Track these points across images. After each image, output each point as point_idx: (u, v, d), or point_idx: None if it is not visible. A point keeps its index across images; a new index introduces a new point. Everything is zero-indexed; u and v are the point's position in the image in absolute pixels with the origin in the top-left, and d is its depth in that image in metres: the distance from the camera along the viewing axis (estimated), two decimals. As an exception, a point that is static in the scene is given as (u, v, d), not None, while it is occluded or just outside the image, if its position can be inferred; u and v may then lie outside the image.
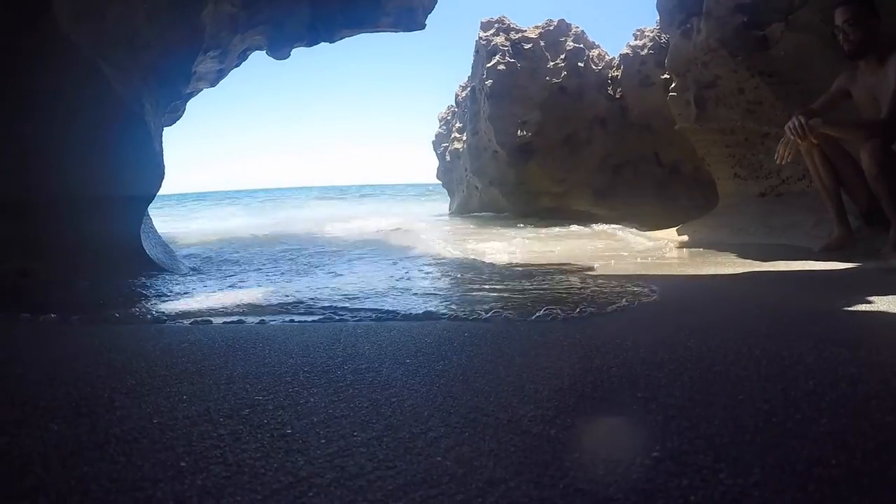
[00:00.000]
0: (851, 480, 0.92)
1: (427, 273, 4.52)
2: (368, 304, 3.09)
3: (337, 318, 2.76)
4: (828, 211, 4.39)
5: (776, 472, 0.94)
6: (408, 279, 4.12)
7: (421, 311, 2.77)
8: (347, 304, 3.11)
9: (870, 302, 2.41)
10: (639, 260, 4.98)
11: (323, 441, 1.14)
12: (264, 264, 5.29)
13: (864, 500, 0.87)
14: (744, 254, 4.67)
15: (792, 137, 4.06)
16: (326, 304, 3.15)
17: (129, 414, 1.33)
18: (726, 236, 5.90)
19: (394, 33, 7.10)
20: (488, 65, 9.92)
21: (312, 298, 3.31)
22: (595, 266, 4.52)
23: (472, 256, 5.48)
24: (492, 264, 4.85)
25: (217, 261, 5.72)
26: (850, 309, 2.34)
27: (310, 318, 2.79)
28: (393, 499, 0.92)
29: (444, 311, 2.77)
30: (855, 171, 4.07)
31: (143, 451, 1.13)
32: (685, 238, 6.56)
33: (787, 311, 2.30)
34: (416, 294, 3.45)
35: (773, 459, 0.99)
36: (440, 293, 3.60)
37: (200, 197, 45.14)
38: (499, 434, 1.15)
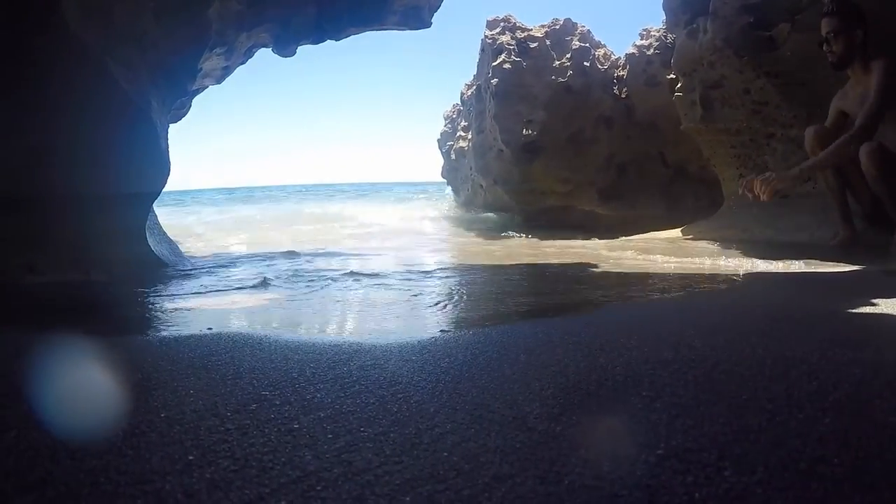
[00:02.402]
0: (854, 479, 0.92)
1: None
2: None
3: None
4: (833, 212, 4.40)
5: (780, 471, 0.95)
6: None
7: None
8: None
9: (873, 304, 2.41)
10: (641, 258, 4.98)
11: (330, 436, 1.15)
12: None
13: (866, 499, 0.87)
14: (748, 255, 4.67)
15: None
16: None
17: (137, 408, 1.34)
18: (731, 237, 5.90)
19: (400, 31, 7.10)
20: (494, 63, 9.90)
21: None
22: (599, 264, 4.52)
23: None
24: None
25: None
26: (853, 310, 2.34)
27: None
28: (400, 493, 0.92)
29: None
30: (860, 172, 4.07)
31: (151, 444, 1.14)
32: (690, 238, 6.56)
33: (791, 311, 2.30)
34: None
35: (777, 458, 0.99)
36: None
37: (199, 193, 44.72)
38: (504, 431, 1.15)
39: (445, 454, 1.06)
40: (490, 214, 11.89)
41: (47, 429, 1.22)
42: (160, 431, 1.20)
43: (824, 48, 4.13)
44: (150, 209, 4.78)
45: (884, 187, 3.80)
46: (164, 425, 1.23)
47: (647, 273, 4.11)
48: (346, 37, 6.72)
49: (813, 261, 4.04)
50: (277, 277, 4.07)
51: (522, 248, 6.71)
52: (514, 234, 8.97)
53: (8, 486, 0.99)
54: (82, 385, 1.55)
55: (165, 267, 4.50)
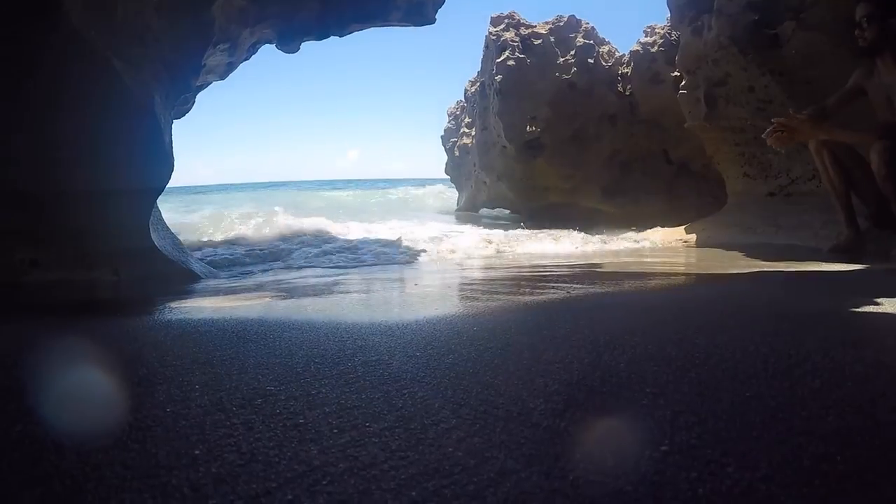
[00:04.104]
0: (856, 477, 0.93)
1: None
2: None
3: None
4: (837, 212, 4.38)
5: (783, 468, 0.95)
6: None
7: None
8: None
9: (877, 303, 2.41)
10: (648, 258, 4.98)
11: (335, 431, 1.16)
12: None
13: (869, 496, 0.88)
14: (752, 253, 4.67)
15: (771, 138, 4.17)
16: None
17: (142, 403, 1.35)
18: (735, 235, 5.90)
19: (404, 28, 7.09)
20: (498, 60, 9.90)
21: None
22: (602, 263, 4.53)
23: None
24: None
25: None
26: (857, 310, 2.34)
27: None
28: (406, 488, 0.93)
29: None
30: (865, 171, 4.06)
31: (156, 439, 1.14)
32: (693, 237, 6.56)
33: (794, 310, 2.30)
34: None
35: (780, 455, 1.00)
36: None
37: (203, 189, 44.38)
38: (509, 426, 1.16)
39: (451, 449, 1.06)
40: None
41: (53, 423, 1.23)
42: (166, 426, 1.21)
43: (856, 33, 4.10)
44: (153, 205, 4.78)
45: (892, 188, 3.79)
46: (170, 420, 1.24)
47: (651, 272, 4.11)
48: (349, 33, 6.72)
49: (816, 260, 4.03)
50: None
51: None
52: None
53: (14, 481, 1.00)
54: (88, 380, 1.56)
55: (170, 261, 4.50)
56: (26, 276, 3.74)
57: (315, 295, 3.35)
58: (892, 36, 3.96)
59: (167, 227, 5.36)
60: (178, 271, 4.40)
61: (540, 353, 1.68)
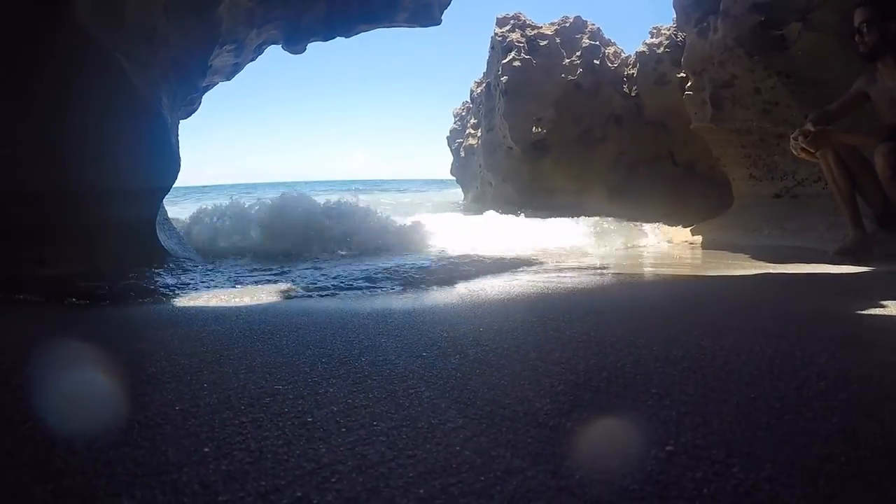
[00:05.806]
0: (860, 478, 0.93)
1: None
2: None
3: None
4: (842, 214, 4.37)
5: (787, 468, 0.96)
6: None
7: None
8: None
9: (882, 305, 2.41)
10: (653, 259, 4.98)
11: (343, 430, 1.17)
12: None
13: (872, 497, 0.88)
14: (758, 255, 4.65)
15: (797, 150, 4.17)
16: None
17: (152, 401, 1.36)
18: (740, 237, 5.88)
19: (410, 28, 7.10)
20: (504, 61, 9.90)
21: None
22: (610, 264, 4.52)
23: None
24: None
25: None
26: (862, 312, 2.34)
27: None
28: (414, 486, 0.94)
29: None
30: (870, 173, 4.05)
31: (166, 436, 1.15)
32: (699, 238, 6.55)
33: (800, 312, 2.30)
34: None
35: (785, 455, 1.00)
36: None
37: (201, 190, 44.22)
38: (516, 426, 1.17)
39: (458, 448, 1.07)
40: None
41: (63, 421, 1.24)
42: (175, 424, 1.22)
43: (856, 38, 4.08)
44: (160, 204, 4.80)
45: None
46: (180, 418, 1.25)
47: (657, 273, 4.11)
48: (355, 34, 6.73)
49: (822, 262, 4.02)
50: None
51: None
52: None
53: (26, 477, 1.00)
54: (97, 378, 1.57)
55: (175, 261, 4.52)
56: (33, 274, 3.75)
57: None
58: (892, 39, 3.95)
59: (173, 225, 5.39)
60: (185, 270, 4.41)
61: (546, 354, 1.69)
